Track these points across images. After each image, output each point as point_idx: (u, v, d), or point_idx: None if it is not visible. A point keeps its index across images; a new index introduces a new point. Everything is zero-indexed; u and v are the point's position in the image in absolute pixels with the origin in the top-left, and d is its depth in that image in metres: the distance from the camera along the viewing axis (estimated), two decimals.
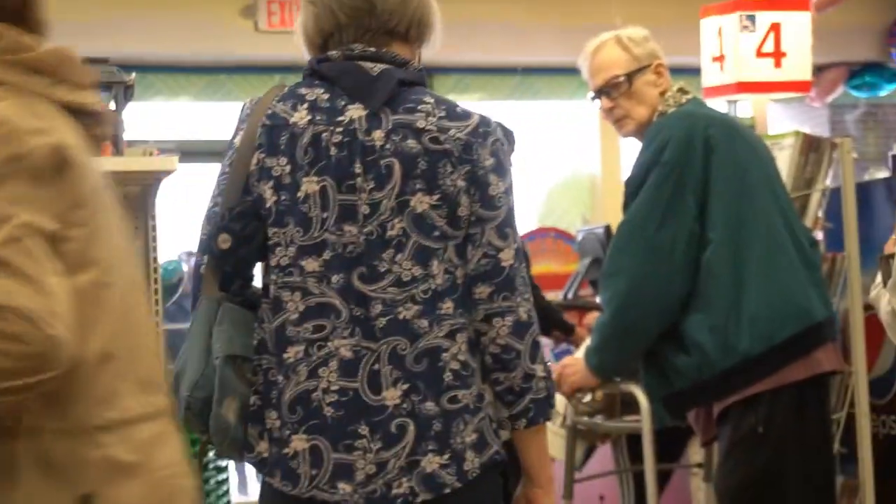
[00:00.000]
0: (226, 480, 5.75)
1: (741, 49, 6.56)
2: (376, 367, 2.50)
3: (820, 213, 4.71)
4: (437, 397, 2.50)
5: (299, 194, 2.52)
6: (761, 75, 6.56)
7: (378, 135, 2.51)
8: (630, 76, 3.81)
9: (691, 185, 3.57)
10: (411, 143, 2.51)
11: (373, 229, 2.51)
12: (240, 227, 2.54)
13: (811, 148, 4.62)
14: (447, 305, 2.52)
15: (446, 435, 2.50)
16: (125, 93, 4.07)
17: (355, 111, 2.53)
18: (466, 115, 2.57)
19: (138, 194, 4.24)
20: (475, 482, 2.52)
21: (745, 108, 6.77)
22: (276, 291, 2.54)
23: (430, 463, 2.50)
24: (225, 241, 2.55)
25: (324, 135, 2.53)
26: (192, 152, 9.36)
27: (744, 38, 6.42)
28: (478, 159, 2.53)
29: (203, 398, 2.51)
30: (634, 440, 4.44)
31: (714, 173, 3.58)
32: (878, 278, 3.48)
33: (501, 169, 2.58)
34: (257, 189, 2.54)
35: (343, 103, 2.54)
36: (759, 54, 6.47)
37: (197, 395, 2.51)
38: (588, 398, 4.25)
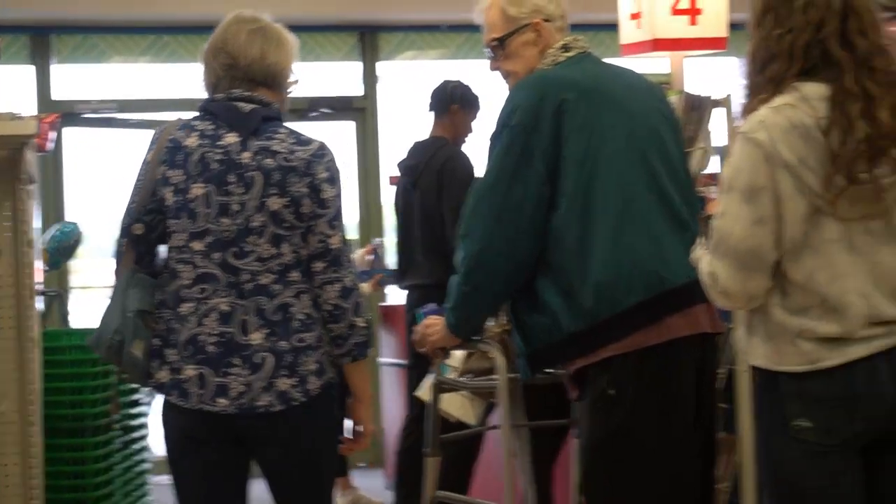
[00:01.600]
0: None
1: (657, 6, 6.51)
2: (245, 317, 3.51)
3: (707, 171, 4.71)
4: (289, 338, 3.50)
5: (190, 196, 3.53)
6: (677, 32, 6.51)
7: (246, 155, 3.54)
8: (503, 39, 3.83)
9: (540, 148, 3.55)
10: (269, 161, 3.52)
11: (241, 221, 3.51)
12: (149, 219, 3.58)
13: (692, 107, 4.61)
14: (294, 275, 3.54)
15: (295, 364, 3.51)
16: None
17: (231, 137, 3.55)
18: (309, 142, 3.58)
19: (6, 158, 4.23)
20: (316, 397, 3.55)
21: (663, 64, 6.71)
22: (173, 265, 3.57)
23: (284, 384, 3.51)
24: (139, 229, 3.60)
25: (208, 154, 3.53)
26: (133, 109, 9.47)
27: None
28: (315, 173, 3.52)
29: (119, 341, 3.54)
30: (533, 397, 4.43)
31: (565, 137, 3.56)
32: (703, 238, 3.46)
33: (332, 179, 3.56)
34: (161, 192, 3.57)
35: (223, 132, 3.56)
36: (675, 11, 6.42)
37: (116, 338, 3.54)
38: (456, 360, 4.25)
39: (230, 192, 3.51)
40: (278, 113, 3.61)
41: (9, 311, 4.24)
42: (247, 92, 3.58)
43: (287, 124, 3.65)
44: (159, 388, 3.58)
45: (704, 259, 3.06)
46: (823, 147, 2.87)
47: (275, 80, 3.63)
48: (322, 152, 3.56)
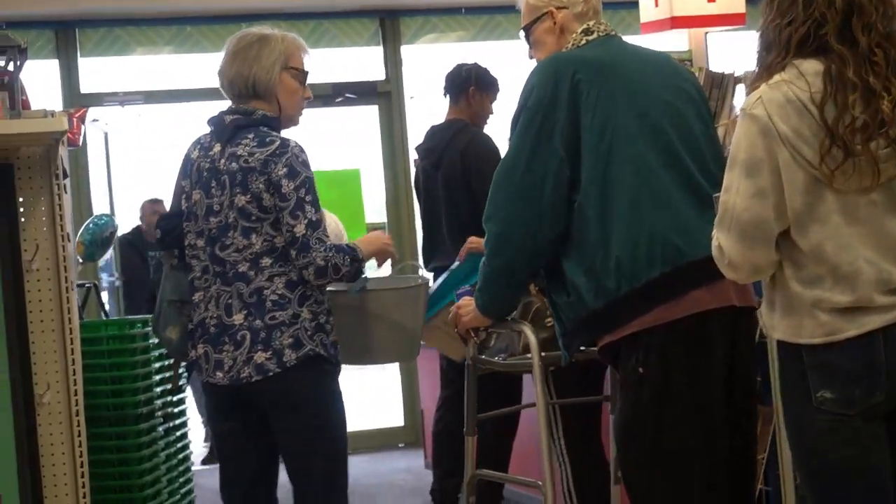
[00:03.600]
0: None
1: None
2: (230, 301, 4.02)
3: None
4: (262, 317, 3.97)
5: (192, 201, 4.09)
6: (695, 9, 6.56)
7: (222, 161, 4.04)
8: (527, 28, 3.94)
9: (557, 127, 3.60)
10: (234, 164, 4.00)
11: (222, 219, 4.02)
12: (164, 224, 4.17)
13: (714, 84, 4.66)
14: (266, 261, 4.00)
15: (269, 339, 3.96)
16: (19, 55, 4.12)
17: (217, 147, 4.07)
18: (270, 143, 3.99)
19: (42, 154, 4.31)
20: (292, 368, 3.96)
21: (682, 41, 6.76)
22: (188, 260, 4.12)
23: (260, 357, 3.96)
24: (157, 234, 4.20)
25: (201, 164, 4.08)
26: (159, 101, 9.56)
27: None
28: (272, 171, 3.96)
29: (158, 326, 4.17)
30: (558, 375, 4.49)
31: (582, 116, 3.60)
32: None
33: (291, 174, 3.95)
34: (181, 200, 4.13)
35: (213, 143, 4.09)
36: None
37: (155, 324, 4.19)
38: (492, 339, 4.31)
39: (212, 194, 4.04)
40: (263, 119, 4.06)
41: (49, 305, 4.32)
42: (234, 104, 4.09)
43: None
44: (191, 364, 4.19)
45: (714, 233, 3.13)
46: (818, 121, 2.92)
47: (255, 90, 4.08)
48: (280, 150, 3.97)
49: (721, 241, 3.06)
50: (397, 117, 9.69)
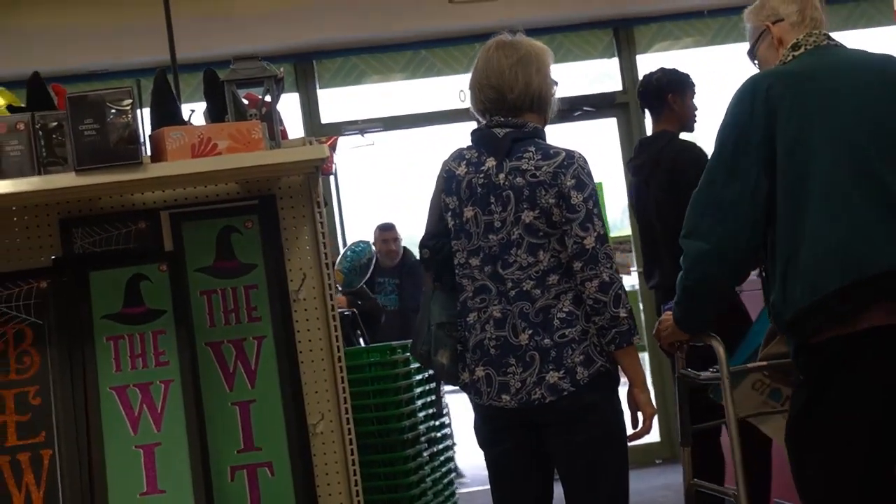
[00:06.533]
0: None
1: None
2: (514, 321, 3.91)
3: None
4: (552, 336, 3.88)
5: (463, 218, 3.99)
6: None
7: (501, 176, 3.94)
8: (752, 49, 3.95)
9: (754, 143, 3.60)
10: (519, 179, 3.90)
11: (503, 236, 3.93)
12: (432, 244, 4.08)
13: None
14: (552, 278, 3.91)
15: (560, 358, 3.87)
16: (276, 85, 4.11)
17: (490, 162, 3.97)
18: (556, 154, 3.90)
19: (302, 183, 4.29)
20: (586, 385, 3.87)
21: None
22: (459, 279, 4.03)
23: (552, 377, 3.87)
24: (425, 254, 4.11)
25: (473, 179, 3.98)
26: (398, 126, 9.61)
27: None
28: (562, 183, 3.86)
29: (427, 350, 4.10)
30: None
31: (777, 130, 3.58)
32: None
33: (580, 185, 3.87)
34: (445, 217, 4.04)
35: (484, 157, 3.99)
36: None
37: (423, 349, 4.12)
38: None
39: (492, 211, 3.93)
40: (535, 131, 3.97)
41: (317, 334, 4.29)
42: (502, 118, 3.98)
43: (548, 129, 4.06)
44: (464, 387, 4.07)
45: None
46: None
47: (540, 102, 3.99)
48: (568, 162, 3.88)
49: None
50: (636, 128, 9.53)
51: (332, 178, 9.31)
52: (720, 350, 4.05)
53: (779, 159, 3.57)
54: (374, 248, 5.87)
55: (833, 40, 3.81)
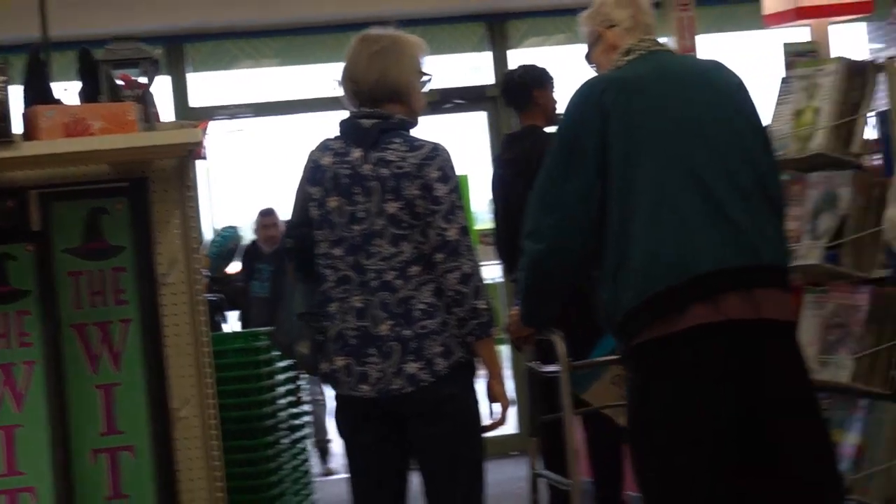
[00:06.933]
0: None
1: None
2: (375, 311, 3.92)
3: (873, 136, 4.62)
4: (412, 326, 3.90)
5: (327, 208, 3.97)
6: None
7: (367, 167, 3.95)
8: (588, 54, 3.96)
9: (588, 145, 3.64)
10: (384, 170, 3.91)
11: (367, 226, 3.92)
12: (298, 233, 4.06)
13: (854, 73, 4.52)
14: (414, 269, 3.92)
15: (420, 349, 3.89)
16: (152, 67, 4.09)
17: (356, 153, 3.97)
18: (421, 146, 3.94)
19: (175, 167, 4.28)
20: (445, 377, 3.91)
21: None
22: (321, 269, 4.01)
23: (411, 367, 3.90)
24: (289, 243, 4.13)
25: (339, 170, 3.97)
26: (269, 113, 9.59)
27: None
28: (426, 174, 3.90)
29: (288, 339, 4.09)
30: None
31: (610, 133, 3.63)
32: None
33: (445, 178, 3.91)
34: (308, 208, 4.00)
35: (350, 148, 3.98)
36: None
37: (284, 338, 4.13)
38: None
39: (356, 201, 3.93)
40: (402, 122, 4.00)
41: (185, 319, 4.28)
42: (369, 108, 3.99)
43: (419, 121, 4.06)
44: (323, 378, 4.07)
45: (890, 207, 3.03)
46: None
47: (398, 93, 4.00)
48: (433, 154, 3.93)
49: (890, 212, 2.97)
50: (505, 122, 9.61)
51: (201, 162, 9.24)
52: (560, 345, 4.17)
53: (610, 163, 3.63)
54: (241, 234, 5.85)
55: (663, 46, 3.90)
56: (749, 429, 3.55)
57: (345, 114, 4.11)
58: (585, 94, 3.72)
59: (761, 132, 3.79)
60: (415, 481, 4.09)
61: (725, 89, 3.77)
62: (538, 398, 4.53)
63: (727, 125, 3.69)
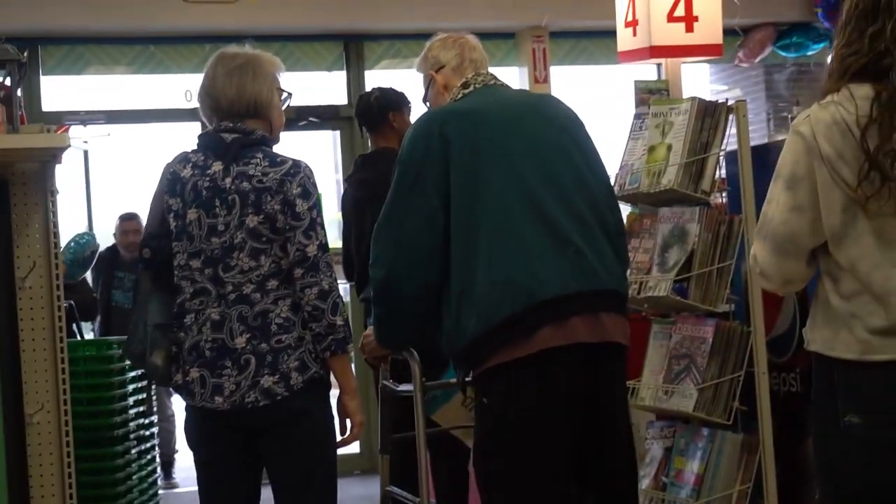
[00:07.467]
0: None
1: (653, 13, 6.58)
2: (231, 324, 3.91)
3: (721, 175, 4.80)
4: (268, 340, 3.90)
5: (186, 220, 3.95)
6: (673, 39, 6.59)
7: (228, 180, 3.94)
8: (425, 97, 4.10)
9: (430, 179, 3.72)
10: (245, 184, 3.91)
11: (226, 239, 3.92)
12: (155, 244, 4.01)
13: (706, 113, 4.69)
14: (272, 283, 3.92)
15: (276, 363, 3.90)
16: (19, 69, 4.08)
17: (217, 166, 3.96)
18: (283, 162, 3.95)
19: (37, 171, 4.27)
20: (300, 391, 3.91)
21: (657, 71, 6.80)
22: (178, 281, 3.98)
23: (267, 381, 3.89)
24: (146, 253, 4.04)
25: (198, 182, 3.95)
26: (122, 121, 9.49)
27: (655, 2, 6.46)
28: (287, 190, 3.90)
29: (142, 350, 4.01)
30: None
31: (451, 166, 3.71)
32: None
33: (305, 194, 3.92)
34: (167, 219, 3.97)
35: (210, 161, 3.98)
36: (671, 18, 6.50)
37: (139, 348, 4.04)
38: None
39: (216, 214, 3.94)
40: (262, 138, 4.02)
41: (42, 323, 4.27)
42: (230, 123, 4.00)
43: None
44: (176, 389, 4.07)
45: (754, 245, 3.17)
46: (859, 144, 2.96)
47: (257, 109, 4.03)
48: (294, 170, 3.95)
49: (756, 250, 3.12)
50: (358, 142, 9.67)
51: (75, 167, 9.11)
52: (414, 367, 4.19)
53: (452, 193, 3.69)
54: (98, 241, 5.81)
55: (498, 80, 4.01)
56: (586, 447, 3.69)
57: (198, 124, 4.12)
58: (425, 127, 3.79)
59: (597, 161, 3.91)
60: (266, 495, 4.11)
61: (561, 122, 3.90)
62: (388, 416, 4.55)
63: (563, 155, 3.81)
